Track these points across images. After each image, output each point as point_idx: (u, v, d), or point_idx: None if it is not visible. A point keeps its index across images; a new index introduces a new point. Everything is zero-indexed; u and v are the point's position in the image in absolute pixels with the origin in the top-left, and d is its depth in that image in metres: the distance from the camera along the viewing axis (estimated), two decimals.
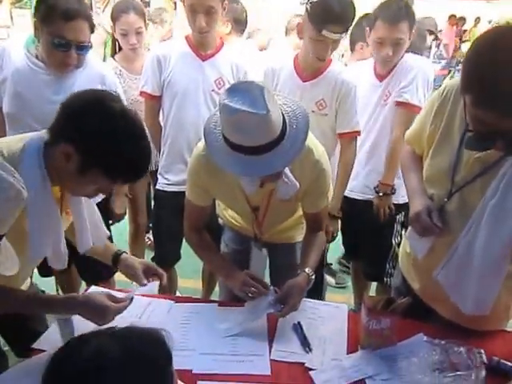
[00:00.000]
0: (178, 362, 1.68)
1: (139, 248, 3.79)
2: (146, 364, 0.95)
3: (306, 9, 2.48)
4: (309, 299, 2.16)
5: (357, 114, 2.71)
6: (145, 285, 1.96)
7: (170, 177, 2.93)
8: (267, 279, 2.35)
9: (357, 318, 1.90)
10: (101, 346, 0.95)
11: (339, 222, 2.91)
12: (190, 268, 3.48)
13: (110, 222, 2.92)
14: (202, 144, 1.97)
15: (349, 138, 2.74)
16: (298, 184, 1.89)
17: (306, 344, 1.86)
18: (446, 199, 1.76)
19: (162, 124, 2.97)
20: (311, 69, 2.64)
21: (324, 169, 1.98)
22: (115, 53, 3.35)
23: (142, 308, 2.04)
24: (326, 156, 2.02)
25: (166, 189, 2.95)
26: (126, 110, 1.57)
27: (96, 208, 1.97)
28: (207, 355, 1.80)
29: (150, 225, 3.86)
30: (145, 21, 3.25)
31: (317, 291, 2.48)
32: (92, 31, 2.26)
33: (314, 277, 2.00)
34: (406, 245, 2.06)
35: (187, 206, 2.15)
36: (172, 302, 2.11)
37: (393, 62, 2.81)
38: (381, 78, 2.89)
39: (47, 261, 1.77)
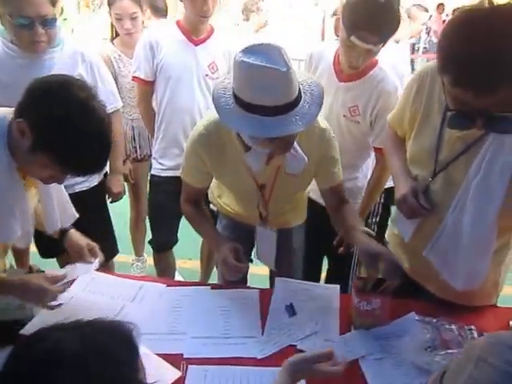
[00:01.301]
0: (169, 347, 1.73)
1: (140, 233, 3.80)
2: (107, 358, 0.92)
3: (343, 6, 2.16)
4: (301, 281, 2.16)
5: None
6: (90, 263, 1.93)
7: (165, 162, 2.93)
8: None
9: (349, 299, 1.89)
10: (60, 339, 0.92)
11: None
12: (189, 249, 3.49)
13: (110, 200, 2.92)
14: (201, 122, 1.94)
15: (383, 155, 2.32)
16: (306, 157, 1.82)
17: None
18: (430, 179, 1.75)
19: (155, 109, 2.97)
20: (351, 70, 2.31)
21: (332, 137, 1.95)
22: (114, 38, 3.33)
23: (134, 292, 2.03)
24: (330, 130, 1.96)
25: (161, 174, 2.95)
26: (91, 98, 1.52)
27: (63, 189, 1.95)
28: (199, 339, 1.80)
29: None
30: (140, 6, 3.22)
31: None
32: (53, 4, 2.20)
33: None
34: (393, 226, 2.05)
35: (184, 187, 2.11)
36: (164, 285, 2.10)
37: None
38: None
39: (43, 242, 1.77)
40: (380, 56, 2.28)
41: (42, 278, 1.69)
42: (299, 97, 1.64)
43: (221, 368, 1.66)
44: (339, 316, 1.92)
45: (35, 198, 1.83)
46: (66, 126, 1.45)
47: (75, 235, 1.99)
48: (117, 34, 3.30)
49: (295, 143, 1.79)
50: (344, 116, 2.38)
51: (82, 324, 0.99)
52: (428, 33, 12.95)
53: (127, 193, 3.41)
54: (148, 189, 3.26)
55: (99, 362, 0.90)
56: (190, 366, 1.66)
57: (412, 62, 12.34)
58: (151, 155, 3.16)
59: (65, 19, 4.57)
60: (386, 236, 2.15)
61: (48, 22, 2.18)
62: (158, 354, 1.68)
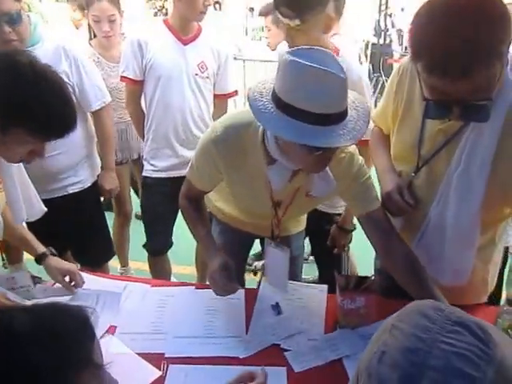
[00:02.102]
0: (150, 346, 1.72)
1: (125, 241, 3.72)
2: (60, 340, 0.91)
3: None
4: (290, 281, 2.13)
5: None
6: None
7: (157, 163, 2.92)
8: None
9: (334, 298, 1.87)
10: (10, 320, 0.91)
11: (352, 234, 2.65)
12: (186, 254, 3.47)
13: (102, 199, 2.88)
14: (220, 124, 1.75)
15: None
16: (335, 182, 1.67)
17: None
18: (413, 174, 1.73)
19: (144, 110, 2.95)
20: None
21: (362, 162, 1.76)
22: (91, 39, 3.31)
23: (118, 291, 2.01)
24: (357, 151, 1.79)
25: (153, 175, 2.93)
26: (36, 61, 1.53)
27: (30, 183, 1.94)
28: (181, 338, 1.78)
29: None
30: (119, 9, 3.18)
31: None
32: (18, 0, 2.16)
33: None
34: None
35: (186, 183, 1.96)
36: (148, 285, 2.07)
37: None
38: None
39: None
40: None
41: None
42: (347, 110, 1.49)
43: (202, 367, 1.64)
44: (326, 316, 1.89)
45: (2, 201, 1.81)
46: (24, 92, 1.45)
47: (54, 260, 1.96)
48: (94, 36, 3.27)
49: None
50: None
51: (37, 306, 0.99)
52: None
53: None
54: (140, 191, 3.23)
55: (49, 342, 0.89)
56: (170, 366, 1.64)
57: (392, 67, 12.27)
58: (138, 157, 3.14)
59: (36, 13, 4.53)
60: None
61: (13, 19, 2.13)
62: (140, 354, 1.67)
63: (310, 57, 1.39)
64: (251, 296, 1.99)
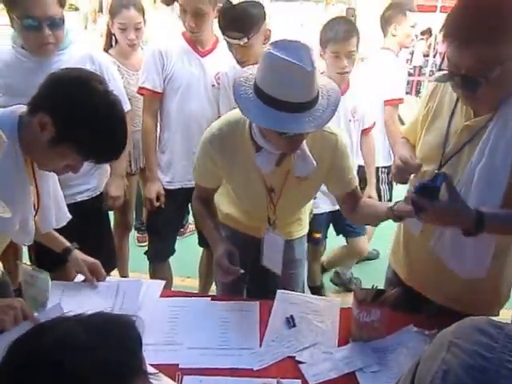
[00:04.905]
0: (164, 357, 1.72)
1: (125, 252, 3.70)
2: (112, 349, 0.93)
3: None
4: (303, 294, 2.14)
5: None
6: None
7: (173, 174, 2.92)
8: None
9: (349, 312, 1.88)
10: (64, 331, 0.93)
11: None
12: (187, 267, 3.48)
13: (107, 207, 2.82)
14: (215, 124, 1.96)
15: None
16: (314, 162, 1.84)
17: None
18: (436, 171, 1.70)
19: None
20: None
21: (345, 145, 1.95)
22: (109, 47, 3.32)
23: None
24: (343, 133, 2.00)
25: (168, 187, 2.93)
26: (109, 92, 1.59)
27: (59, 188, 1.97)
28: (195, 349, 1.78)
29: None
30: (144, 17, 3.25)
31: None
32: (61, 5, 2.22)
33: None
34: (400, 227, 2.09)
35: (196, 185, 2.16)
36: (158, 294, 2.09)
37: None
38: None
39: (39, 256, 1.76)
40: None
41: (17, 302, 1.63)
42: (316, 99, 1.67)
43: (216, 379, 1.64)
44: (339, 329, 1.90)
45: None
46: (95, 116, 1.51)
47: (79, 254, 2.04)
48: (111, 45, 3.30)
49: (305, 146, 1.82)
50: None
51: (85, 317, 1.00)
52: (435, 55, 12.39)
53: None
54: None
55: (105, 354, 0.90)
56: (185, 377, 1.64)
57: (418, 84, 12.30)
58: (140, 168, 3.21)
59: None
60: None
61: (56, 23, 2.18)
62: (154, 365, 1.65)
63: (286, 50, 1.57)
64: (265, 308, 1.99)
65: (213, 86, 2.81)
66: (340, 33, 2.73)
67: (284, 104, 1.60)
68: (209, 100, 2.82)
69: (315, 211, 3.05)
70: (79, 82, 1.55)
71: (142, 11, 3.22)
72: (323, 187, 2.10)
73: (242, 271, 1.91)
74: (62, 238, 2.05)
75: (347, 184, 2.01)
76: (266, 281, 2.26)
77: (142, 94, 2.88)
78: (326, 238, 3.50)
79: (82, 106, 1.50)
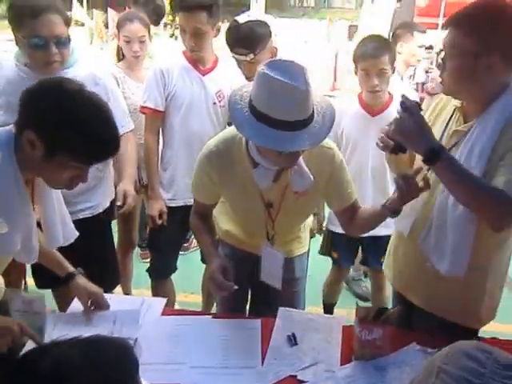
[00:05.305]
0: (166, 376, 1.71)
1: (129, 269, 3.68)
2: (108, 372, 0.92)
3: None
4: (305, 311, 2.13)
5: None
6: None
7: (175, 191, 2.93)
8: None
9: (351, 330, 1.87)
10: (60, 355, 0.92)
11: None
12: (191, 283, 3.47)
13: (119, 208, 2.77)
14: (212, 141, 1.99)
15: None
16: (311, 176, 1.86)
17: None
18: (426, 171, 1.81)
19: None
20: None
21: (341, 160, 1.99)
22: (120, 60, 3.43)
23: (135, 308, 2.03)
24: (336, 147, 2.01)
25: (171, 204, 2.93)
26: (83, 89, 1.57)
27: (64, 205, 1.96)
28: (197, 368, 1.77)
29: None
30: (149, 31, 3.34)
31: None
32: (67, 24, 2.25)
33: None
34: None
35: (194, 201, 2.19)
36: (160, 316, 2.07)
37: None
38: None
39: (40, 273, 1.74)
40: None
41: (16, 325, 1.62)
42: (312, 116, 1.70)
43: None
44: (341, 347, 1.89)
45: (36, 216, 1.84)
46: (74, 118, 1.50)
47: (82, 281, 2.00)
48: (121, 58, 3.39)
49: (301, 161, 1.84)
50: None
51: (80, 341, 0.99)
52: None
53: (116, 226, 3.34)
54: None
55: (101, 377, 0.90)
56: None
57: (421, 100, 12.31)
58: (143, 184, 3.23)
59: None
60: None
61: (62, 42, 2.22)
62: None
63: (279, 69, 1.60)
64: (267, 326, 1.98)
65: (214, 103, 2.83)
66: (369, 50, 2.73)
67: (279, 122, 1.64)
68: (210, 117, 2.83)
69: (331, 227, 3.05)
70: (49, 90, 1.54)
71: (147, 26, 3.33)
72: None
73: (236, 287, 1.92)
74: (65, 262, 2.03)
75: (346, 198, 2.03)
76: (267, 299, 2.25)
77: (144, 113, 2.90)
78: (353, 264, 3.42)
79: (58, 111, 1.49)
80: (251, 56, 2.63)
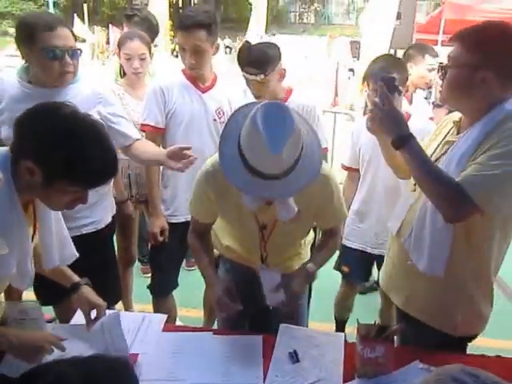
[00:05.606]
0: None
1: (129, 281, 3.69)
2: None
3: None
4: (306, 328, 2.12)
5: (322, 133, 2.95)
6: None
7: (175, 207, 2.94)
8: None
9: (353, 347, 1.86)
10: (60, 374, 0.92)
11: None
12: (192, 297, 3.46)
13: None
14: (209, 161, 2.03)
15: None
16: (296, 209, 1.87)
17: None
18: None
19: None
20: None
21: (335, 185, 2.03)
22: (122, 77, 3.48)
23: (132, 336, 2.00)
24: (333, 173, 2.05)
25: (172, 220, 2.94)
26: (77, 112, 1.57)
27: (64, 226, 1.97)
28: None
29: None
30: (149, 50, 3.37)
31: None
32: (75, 39, 2.35)
33: (316, 273, 2.10)
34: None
35: (192, 219, 2.23)
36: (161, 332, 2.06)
37: None
38: None
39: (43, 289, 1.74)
40: None
41: (48, 338, 1.67)
42: (295, 165, 1.71)
43: None
44: (343, 364, 1.88)
45: (34, 237, 1.84)
46: (69, 145, 1.49)
47: (87, 291, 1.99)
48: (123, 76, 3.43)
49: None
50: None
51: (80, 359, 0.99)
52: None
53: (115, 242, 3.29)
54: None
55: None
56: None
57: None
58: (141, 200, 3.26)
59: None
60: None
61: (74, 53, 2.32)
62: None
63: (269, 120, 1.63)
64: (269, 343, 1.97)
65: (214, 120, 2.85)
66: (377, 69, 2.78)
67: (258, 172, 1.69)
68: (211, 134, 2.85)
69: (345, 241, 3.10)
70: (42, 116, 1.54)
71: (147, 44, 3.36)
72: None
73: (241, 307, 1.97)
74: (71, 273, 2.04)
75: (329, 223, 2.17)
76: (268, 313, 2.24)
77: (144, 131, 2.90)
78: (366, 281, 3.42)
79: (51, 140, 1.48)
80: (261, 76, 2.71)
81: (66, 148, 1.48)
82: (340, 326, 3.36)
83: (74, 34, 2.34)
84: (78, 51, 2.35)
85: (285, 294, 2.06)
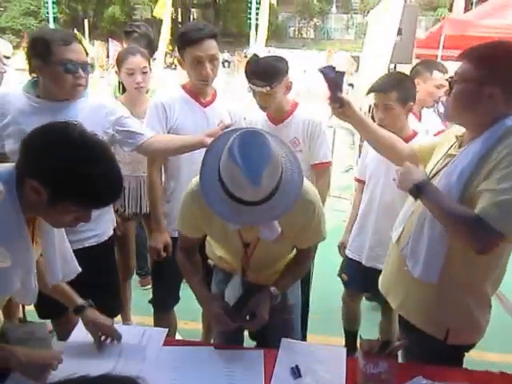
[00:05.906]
0: None
1: (127, 293, 3.69)
2: None
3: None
4: (307, 343, 2.11)
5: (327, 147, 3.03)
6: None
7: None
8: None
9: (355, 362, 1.85)
10: None
11: None
12: (190, 310, 3.43)
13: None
14: (195, 180, 2.03)
15: (320, 169, 3.02)
16: (279, 230, 1.91)
17: None
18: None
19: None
20: (277, 113, 2.95)
21: (319, 211, 2.03)
22: (122, 93, 3.48)
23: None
24: (318, 196, 2.05)
25: (175, 235, 2.89)
26: (84, 133, 1.57)
27: (67, 242, 1.98)
28: None
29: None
30: (149, 64, 3.38)
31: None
32: (87, 54, 2.43)
33: (278, 297, 2.09)
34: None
35: (179, 235, 2.25)
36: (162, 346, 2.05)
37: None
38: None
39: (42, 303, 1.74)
40: None
41: (56, 356, 1.69)
42: (273, 193, 1.73)
43: None
44: (346, 380, 1.86)
45: (37, 252, 1.84)
46: (77, 167, 1.49)
47: (91, 313, 2.02)
48: (122, 93, 3.44)
49: None
50: None
51: (88, 379, 0.97)
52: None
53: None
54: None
55: None
56: None
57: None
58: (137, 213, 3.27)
59: None
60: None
61: (86, 67, 2.39)
62: None
63: (246, 152, 1.65)
64: (270, 357, 1.96)
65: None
66: (379, 84, 2.85)
67: (239, 199, 1.71)
68: None
69: (346, 251, 3.17)
70: (50, 138, 1.53)
71: (147, 59, 3.38)
72: None
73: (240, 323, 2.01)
74: (74, 295, 2.04)
75: (305, 243, 2.17)
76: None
77: None
78: (366, 291, 3.38)
79: (60, 163, 1.48)
80: (268, 88, 2.75)
81: (73, 171, 1.49)
82: (350, 339, 3.34)
83: (85, 50, 2.41)
84: (89, 65, 2.43)
85: (277, 308, 2.10)
